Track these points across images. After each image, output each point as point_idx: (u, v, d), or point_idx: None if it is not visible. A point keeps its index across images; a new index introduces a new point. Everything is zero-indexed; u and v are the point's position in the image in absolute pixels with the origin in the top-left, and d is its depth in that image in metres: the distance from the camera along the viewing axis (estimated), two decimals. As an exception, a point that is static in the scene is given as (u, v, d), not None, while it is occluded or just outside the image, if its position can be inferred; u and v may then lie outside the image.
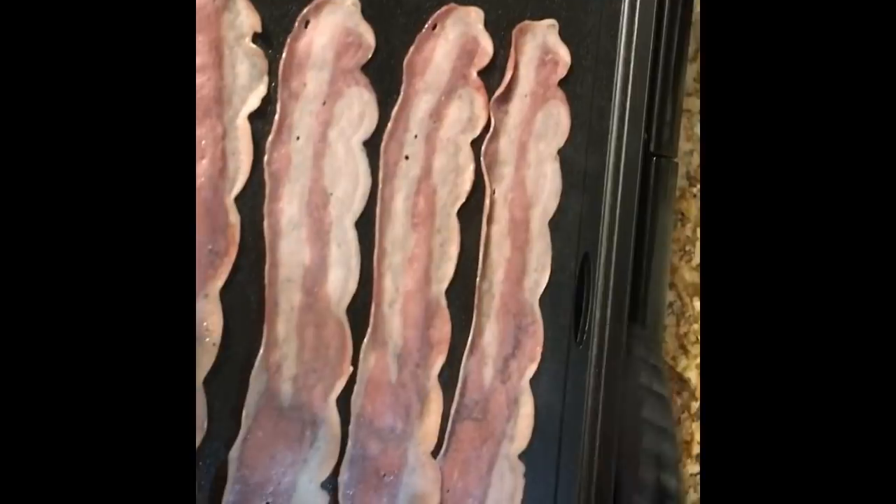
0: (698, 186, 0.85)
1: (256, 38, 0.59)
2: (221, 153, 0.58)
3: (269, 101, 0.60)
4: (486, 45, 0.67)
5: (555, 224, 0.71)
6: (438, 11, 0.65)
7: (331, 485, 0.63)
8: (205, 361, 0.58)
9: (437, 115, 0.66)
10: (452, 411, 0.67)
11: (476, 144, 0.67)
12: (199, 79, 0.57)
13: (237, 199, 0.59)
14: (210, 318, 0.59)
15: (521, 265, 0.70)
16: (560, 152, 0.71)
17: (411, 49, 0.64)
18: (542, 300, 0.71)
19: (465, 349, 0.68)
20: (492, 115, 0.67)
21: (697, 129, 0.84)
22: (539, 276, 0.71)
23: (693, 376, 0.85)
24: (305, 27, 0.61)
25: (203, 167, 0.58)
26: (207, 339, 0.59)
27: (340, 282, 0.63)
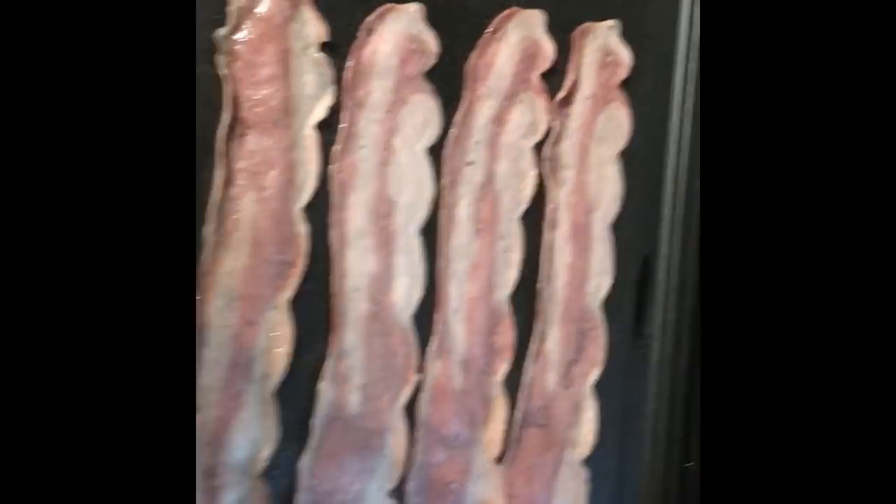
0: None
1: (323, 47, 0.59)
2: (289, 164, 0.58)
3: (335, 111, 0.60)
4: (548, 48, 0.66)
5: (616, 227, 0.70)
6: (500, 15, 0.64)
7: (398, 493, 0.63)
8: (275, 372, 0.58)
9: (499, 119, 0.65)
10: (517, 418, 0.67)
11: (538, 148, 0.67)
12: (268, 89, 0.57)
13: (305, 210, 0.59)
14: (280, 329, 0.59)
15: (583, 269, 0.69)
16: (621, 155, 0.70)
17: (473, 54, 0.64)
18: (603, 304, 0.70)
19: (528, 355, 0.67)
20: (553, 118, 0.67)
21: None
22: (601, 281, 0.70)
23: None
24: (370, 35, 0.60)
25: (272, 178, 0.58)
26: (278, 350, 0.59)
27: (406, 290, 0.62)
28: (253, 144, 0.57)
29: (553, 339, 0.68)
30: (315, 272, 0.60)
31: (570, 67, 0.67)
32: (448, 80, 0.63)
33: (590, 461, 0.70)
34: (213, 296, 0.57)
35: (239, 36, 0.56)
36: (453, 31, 0.63)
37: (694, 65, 0.71)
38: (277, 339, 0.59)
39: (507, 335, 0.66)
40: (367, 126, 0.61)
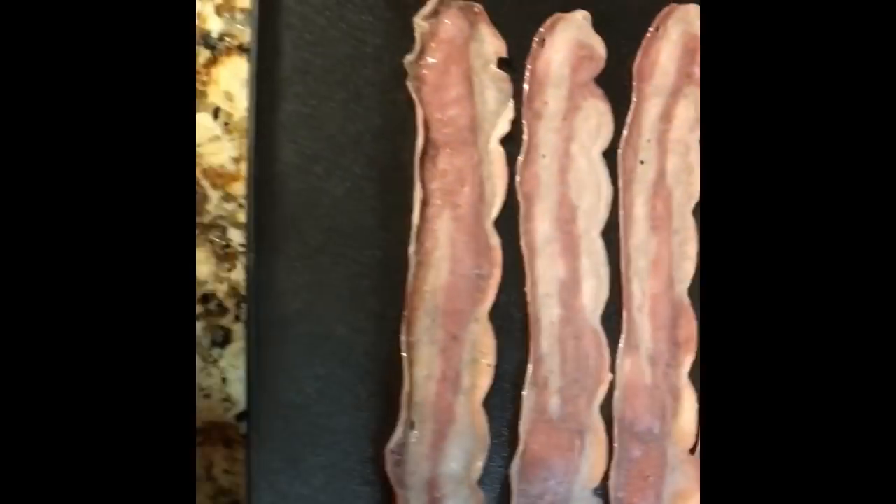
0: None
1: (500, 62, 0.60)
2: (479, 179, 0.60)
3: (516, 123, 0.61)
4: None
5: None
6: (660, 13, 0.65)
7: (601, 489, 0.64)
8: (482, 383, 0.60)
9: (666, 117, 0.66)
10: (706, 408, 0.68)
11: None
12: (455, 109, 0.59)
13: (495, 222, 0.61)
14: (482, 340, 0.60)
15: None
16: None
17: (639, 54, 0.65)
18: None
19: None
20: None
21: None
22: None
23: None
24: (542, 46, 0.61)
25: (465, 195, 0.59)
26: (483, 361, 0.60)
27: (593, 291, 0.64)
28: (445, 164, 0.59)
29: (732, 327, 0.68)
30: (508, 282, 0.61)
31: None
32: (616, 82, 0.64)
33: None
34: (421, 314, 0.58)
35: (425, 60, 0.58)
36: (618, 34, 0.64)
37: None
38: (481, 350, 0.60)
39: (689, 327, 0.67)
40: (545, 135, 0.62)
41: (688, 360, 0.67)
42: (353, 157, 0.57)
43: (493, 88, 0.60)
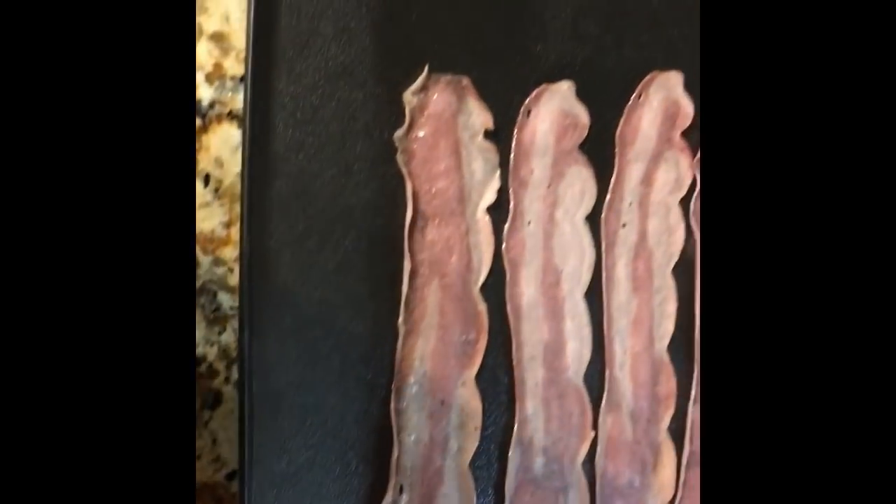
0: None
1: (486, 133, 0.62)
2: (466, 248, 0.61)
3: (502, 192, 0.62)
4: (687, 107, 0.68)
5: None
6: (643, 80, 0.67)
7: (584, 544, 0.66)
8: (469, 445, 0.62)
9: (647, 180, 0.68)
10: (683, 461, 0.70)
11: (684, 203, 0.69)
12: (444, 182, 0.60)
13: (482, 288, 0.62)
14: (470, 404, 0.62)
15: (732, 312, 0.72)
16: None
17: (621, 121, 0.66)
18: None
19: (689, 399, 0.70)
20: (696, 172, 0.69)
21: None
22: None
23: None
24: (528, 116, 0.63)
25: (452, 264, 0.61)
26: (470, 424, 0.62)
27: (576, 352, 0.65)
28: (433, 235, 0.60)
29: (710, 382, 0.71)
30: (495, 346, 0.63)
31: (708, 121, 0.69)
32: (599, 148, 0.66)
33: (752, 494, 0.72)
34: (410, 381, 0.60)
35: (415, 134, 0.59)
36: (601, 101, 0.65)
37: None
38: (468, 414, 0.62)
39: (668, 383, 0.69)
40: (531, 203, 0.63)
41: (667, 415, 0.69)
42: (344, 231, 0.58)
43: (480, 159, 0.62)
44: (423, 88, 0.59)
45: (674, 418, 0.70)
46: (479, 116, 0.61)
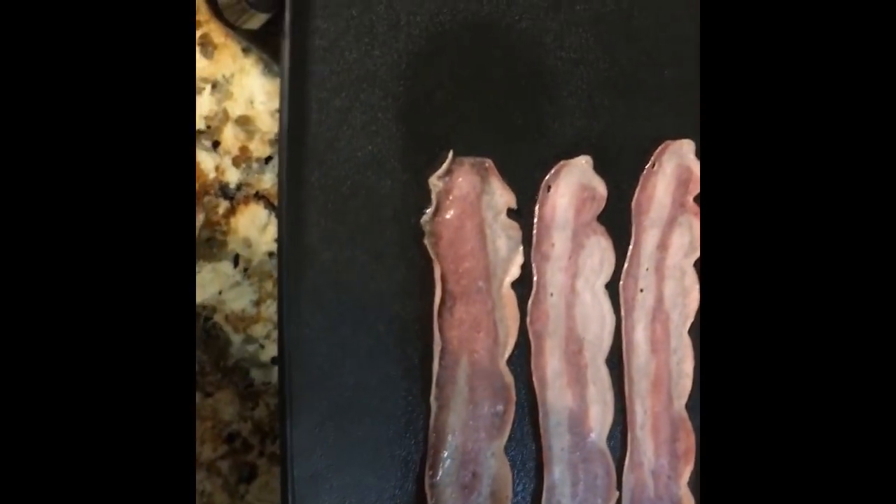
0: None
1: (510, 212, 0.63)
2: (493, 323, 0.63)
3: (524, 266, 0.64)
4: (698, 173, 0.70)
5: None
6: (657, 150, 0.69)
7: None
8: (502, 515, 0.64)
9: (662, 245, 0.70)
10: (704, 514, 0.72)
11: (698, 265, 0.71)
12: (470, 262, 0.62)
13: (508, 361, 0.64)
14: (500, 473, 0.64)
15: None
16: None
17: (637, 190, 0.68)
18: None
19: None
20: (709, 234, 0.71)
21: None
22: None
23: None
24: (548, 192, 0.65)
25: (480, 340, 0.63)
26: (501, 493, 0.64)
27: (599, 416, 0.67)
28: (461, 313, 0.62)
29: (727, 435, 0.73)
30: (522, 415, 0.65)
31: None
32: (616, 217, 0.68)
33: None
34: (443, 456, 0.62)
35: (442, 217, 0.61)
36: (617, 172, 0.67)
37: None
38: (499, 483, 0.64)
39: (688, 440, 0.71)
40: (553, 275, 0.65)
41: (687, 470, 0.72)
42: (377, 316, 0.60)
43: (503, 237, 0.63)
44: (448, 172, 0.61)
45: (693, 473, 0.72)
46: (502, 196, 0.63)
